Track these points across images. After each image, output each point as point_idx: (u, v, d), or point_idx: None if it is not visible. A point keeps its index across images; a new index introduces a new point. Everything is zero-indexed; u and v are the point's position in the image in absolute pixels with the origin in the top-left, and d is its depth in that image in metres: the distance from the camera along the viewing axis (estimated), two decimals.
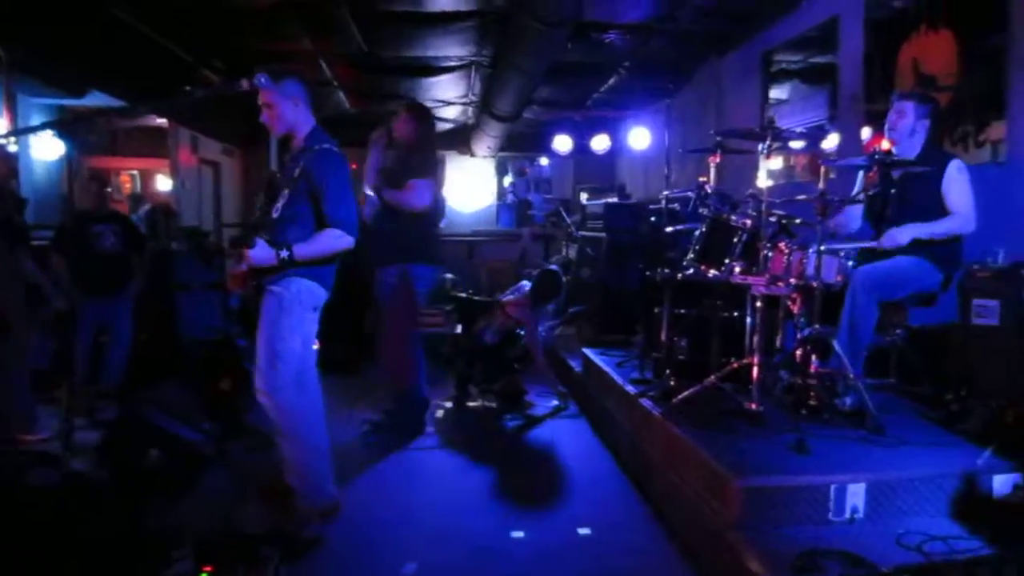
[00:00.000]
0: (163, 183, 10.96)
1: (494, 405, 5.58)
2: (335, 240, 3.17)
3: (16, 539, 2.53)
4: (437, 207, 4.92)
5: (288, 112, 3.25)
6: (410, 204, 4.58)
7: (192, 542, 2.67)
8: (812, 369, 3.54)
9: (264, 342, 3.19)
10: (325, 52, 7.54)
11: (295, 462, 3.23)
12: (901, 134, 3.72)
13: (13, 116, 7.14)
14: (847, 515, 2.81)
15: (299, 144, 3.29)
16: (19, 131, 6.13)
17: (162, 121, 9.51)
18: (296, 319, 3.21)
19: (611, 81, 8.62)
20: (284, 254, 3.07)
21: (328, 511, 3.30)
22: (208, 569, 2.62)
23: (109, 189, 6.93)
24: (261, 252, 3.04)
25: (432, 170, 4.76)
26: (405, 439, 4.69)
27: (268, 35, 6.87)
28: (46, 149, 6.90)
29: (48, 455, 3.49)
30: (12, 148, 4.83)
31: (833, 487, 2.81)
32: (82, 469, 3.52)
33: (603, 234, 7.08)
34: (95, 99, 8.53)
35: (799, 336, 3.59)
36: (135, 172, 11.68)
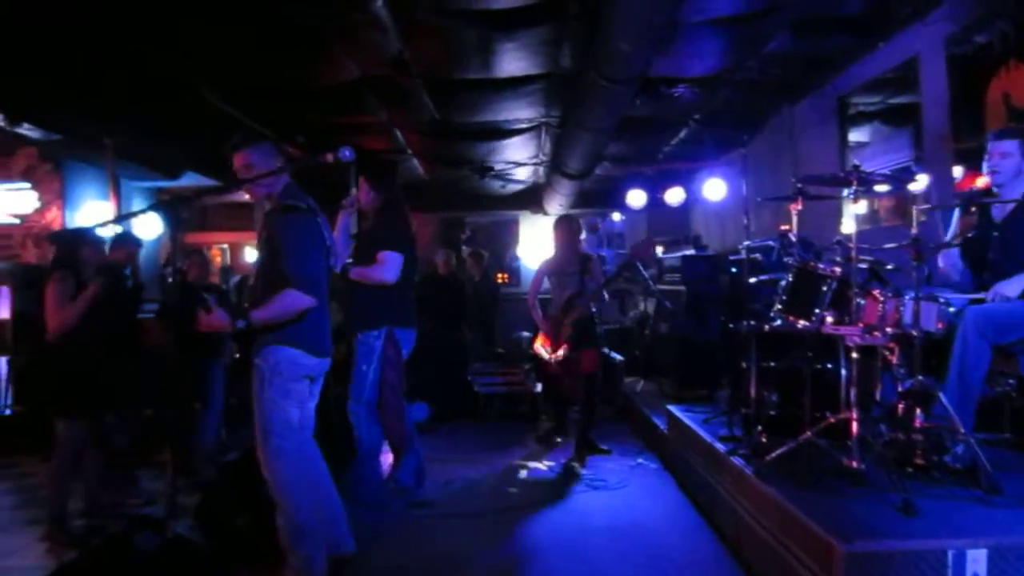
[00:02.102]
0: (250, 255, 11.44)
1: (576, 465, 5.46)
2: (292, 300, 3.03)
3: None
4: (409, 272, 4.53)
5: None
6: (378, 278, 4.32)
7: None
8: (916, 423, 3.33)
9: (255, 416, 3.13)
10: (400, 122, 7.81)
11: (284, 535, 3.14)
12: (1006, 175, 3.49)
13: (118, 199, 7.67)
14: None
15: (272, 203, 3.29)
16: (125, 216, 6.59)
17: (248, 196, 9.98)
18: (277, 391, 3.10)
19: (682, 134, 8.61)
20: (240, 324, 3.00)
21: None
22: None
23: (224, 262, 7.35)
24: (216, 318, 3.00)
25: (400, 238, 4.44)
26: (482, 503, 4.65)
27: (347, 109, 7.18)
28: (146, 229, 7.35)
29: (151, 518, 3.58)
30: (114, 230, 5.25)
31: (951, 553, 2.59)
32: (184, 532, 3.59)
33: (681, 287, 6.98)
34: (189, 179, 9.09)
35: (900, 388, 3.39)
36: (225, 245, 12.28)
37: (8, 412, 6.77)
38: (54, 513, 4.09)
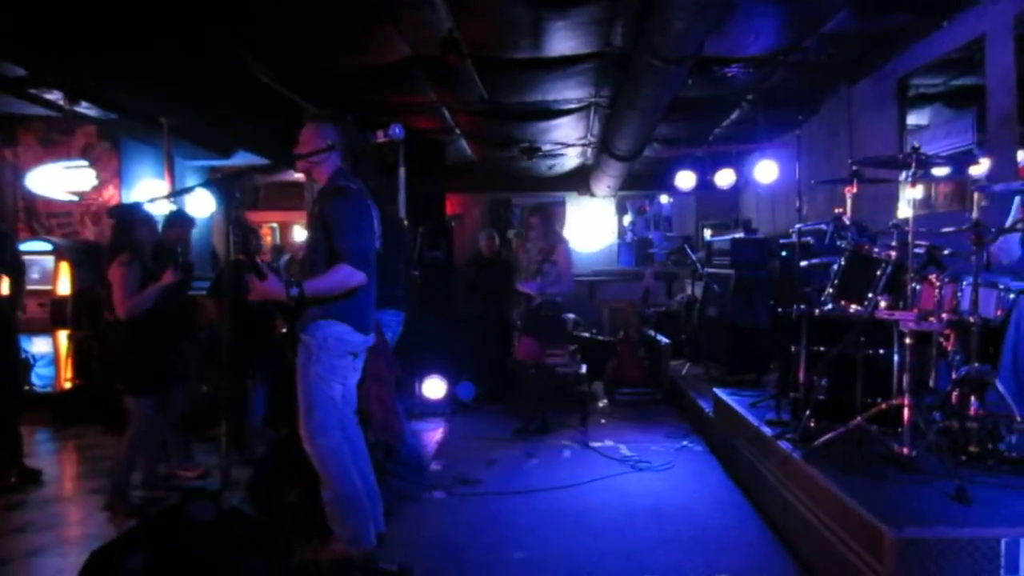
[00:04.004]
0: (300, 234, 11.65)
1: (621, 447, 5.48)
2: (345, 275, 3.07)
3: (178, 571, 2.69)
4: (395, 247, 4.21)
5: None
6: None
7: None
8: (971, 411, 3.26)
9: (299, 390, 3.18)
10: (448, 101, 7.83)
11: (330, 509, 3.19)
12: None
13: (172, 177, 7.85)
14: (1022, 573, 2.54)
15: (321, 184, 3.34)
16: (178, 192, 6.75)
17: (298, 176, 10.14)
18: (325, 367, 3.14)
19: (734, 115, 8.46)
20: (294, 291, 3.02)
21: (361, 560, 3.20)
22: None
23: (275, 241, 7.33)
24: (271, 285, 3.03)
25: None
26: (525, 482, 4.69)
27: (395, 89, 7.22)
28: (199, 206, 7.50)
29: (206, 491, 3.67)
30: (167, 207, 5.36)
31: (1004, 541, 2.55)
32: (238, 505, 3.69)
33: (730, 271, 6.90)
34: (241, 158, 9.26)
35: (955, 375, 3.32)
36: (275, 224, 12.52)
37: (68, 385, 7.02)
38: (118, 484, 4.22)
